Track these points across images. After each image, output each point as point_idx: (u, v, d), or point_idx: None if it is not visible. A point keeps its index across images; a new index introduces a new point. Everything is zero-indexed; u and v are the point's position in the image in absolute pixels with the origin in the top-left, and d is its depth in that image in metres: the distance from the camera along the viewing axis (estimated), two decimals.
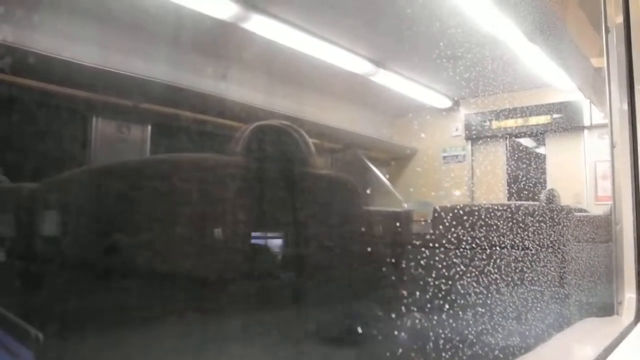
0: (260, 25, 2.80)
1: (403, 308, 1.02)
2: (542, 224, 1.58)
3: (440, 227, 1.56)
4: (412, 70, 3.79)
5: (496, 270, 1.38)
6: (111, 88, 1.98)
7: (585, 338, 1.55)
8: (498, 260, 1.41)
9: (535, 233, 1.55)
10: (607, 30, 1.90)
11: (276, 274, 0.90)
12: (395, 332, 1.10)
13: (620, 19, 1.91)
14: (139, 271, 0.81)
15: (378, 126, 4.20)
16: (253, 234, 0.85)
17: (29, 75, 1.73)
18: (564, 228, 1.63)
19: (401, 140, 4.13)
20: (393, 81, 3.82)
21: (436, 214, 1.63)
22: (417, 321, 1.16)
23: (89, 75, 1.89)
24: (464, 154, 4.40)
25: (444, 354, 1.17)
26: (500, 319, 1.33)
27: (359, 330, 0.96)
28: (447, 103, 4.38)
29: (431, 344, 1.18)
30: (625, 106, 1.84)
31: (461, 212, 1.53)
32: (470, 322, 1.23)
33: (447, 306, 1.14)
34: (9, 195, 1.02)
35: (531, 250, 1.53)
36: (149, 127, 2.20)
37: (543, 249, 1.57)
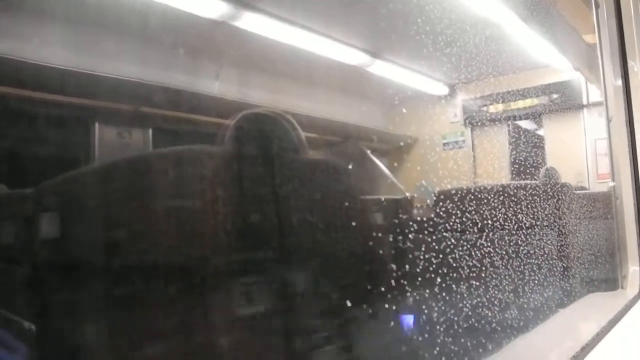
0: (252, 23, 2.80)
1: (393, 283, 1.03)
2: (541, 200, 1.58)
3: (440, 210, 1.57)
4: (407, 59, 3.78)
5: (496, 249, 1.39)
6: (109, 93, 1.99)
7: (589, 312, 1.56)
8: (497, 240, 1.42)
9: (534, 210, 1.56)
10: (597, 5, 1.89)
11: (266, 265, 0.91)
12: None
13: None
14: (132, 266, 0.82)
15: (376, 117, 4.20)
16: (239, 223, 0.86)
17: (25, 85, 1.74)
18: (563, 204, 1.63)
19: (401, 129, 4.13)
20: (389, 71, 3.81)
21: (436, 198, 1.64)
22: (413, 301, 1.16)
23: (85, 81, 1.90)
24: (463, 140, 4.39)
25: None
26: (499, 294, 1.34)
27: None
28: (444, 90, 4.37)
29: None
30: (619, 81, 1.84)
31: (460, 194, 1.54)
32: (466, 296, 1.24)
33: (439, 280, 1.15)
34: (7, 202, 1.04)
35: (528, 226, 1.54)
36: (150, 131, 2.21)
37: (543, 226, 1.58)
